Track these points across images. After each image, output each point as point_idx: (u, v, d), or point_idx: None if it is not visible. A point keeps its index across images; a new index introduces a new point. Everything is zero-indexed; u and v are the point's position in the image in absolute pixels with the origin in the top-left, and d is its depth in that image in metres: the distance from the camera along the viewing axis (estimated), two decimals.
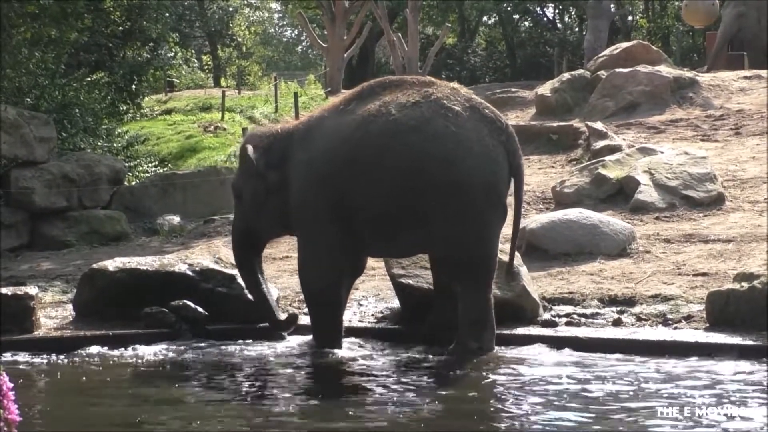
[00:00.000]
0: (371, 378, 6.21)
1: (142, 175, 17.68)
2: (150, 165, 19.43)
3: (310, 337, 7.10)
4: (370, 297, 8.13)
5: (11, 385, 2.58)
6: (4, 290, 7.46)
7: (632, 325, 6.96)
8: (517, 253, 7.73)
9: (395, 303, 7.55)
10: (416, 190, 6.33)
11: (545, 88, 17.36)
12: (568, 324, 7.05)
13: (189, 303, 7.40)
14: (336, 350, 6.81)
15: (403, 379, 6.09)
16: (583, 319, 7.13)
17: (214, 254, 7.97)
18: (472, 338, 6.48)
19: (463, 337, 6.53)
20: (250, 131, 7.95)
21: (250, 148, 6.97)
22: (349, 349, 6.88)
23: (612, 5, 31.00)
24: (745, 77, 17.27)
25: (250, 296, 7.45)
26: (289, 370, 6.57)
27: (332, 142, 6.60)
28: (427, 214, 6.37)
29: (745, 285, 6.65)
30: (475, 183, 6.28)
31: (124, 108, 22.36)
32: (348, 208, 6.56)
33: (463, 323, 6.54)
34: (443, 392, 5.80)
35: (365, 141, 6.45)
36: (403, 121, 6.38)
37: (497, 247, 6.62)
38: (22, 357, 6.88)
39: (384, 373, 6.31)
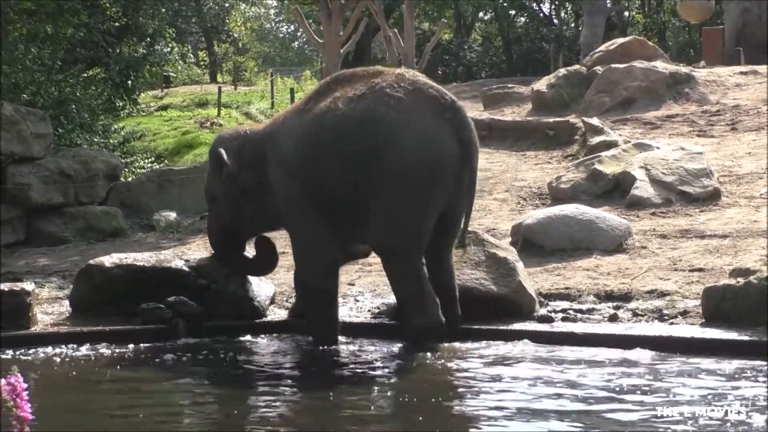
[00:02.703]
0: (366, 375, 6.21)
1: (138, 171, 17.68)
2: (146, 161, 19.43)
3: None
4: (367, 293, 8.14)
5: (25, 385, 2.64)
6: (0, 286, 7.45)
7: (628, 320, 6.97)
8: (513, 249, 7.77)
9: (391, 299, 7.56)
10: (368, 176, 6.55)
11: (541, 84, 17.35)
12: (564, 320, 7.06)
13: (185, 299, 7.41)
14: (332, 346, 6.84)
15: (398, 377, 6.10)
16: (579, 315, 7.15)
17: (211, 250, 7.98)
18: (415, 314, 6.62)
19: (407, 315, 6.71)
20: (218, 134, 8.08)
21: (222, 151, 7.15)
22: (345, 345, 6.89)
23: (608, 1, 31.00)
24: (742, 73, 17.27)
25: (245, 292, 7.53)
26: (284, 366, 6.59)
27: (295, 140, 6.84)
28: (380, 196, 6.54)
29: (741, 280, 6.66)
30: (420, 162, 6.47)
31: (121, 104, 22.36)
32: (321, 200, 6.74)
33: (402, 303, 6.80)
34: (438, 389, 5.81)
35: (320, 137, 6.71)
36: (349, 114, 6.64)
37: (431, 226, 6.64)
38: (19, 353, 6.89)
39: (380, 369, 6.32)
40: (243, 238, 7.52)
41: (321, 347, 6.85)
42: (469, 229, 7.06)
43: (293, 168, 6.82)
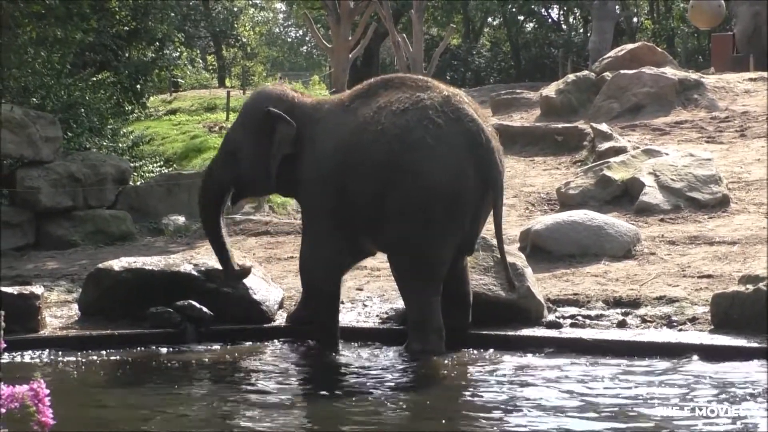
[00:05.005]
0: (373, 382, 6.21)
1: (147, 175, 17.69)
2: (155, 165, 19.44)
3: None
4: (375, 298, 8.14)
5: (47, 391, 2.69)
6: (9, 289, 7.46)
7: (637, 326, 6.96)
8: (521, 254, 7.76)
9: (400, 304, 7.55)
10: (387, 195, 6.50)
11: (550, 90, 17.36)
12: (572, 325, 7.05)
13: (194, 303, 7.42)
14: (333, 348, 6.87)
15: (405, 385, 6.10)
16: (587, 321, 7.14)
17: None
18: (416, 340, 6.65)
19: (408, 338, 6.73)
20: (262, 88, 7.78)
21: (280, 113, 6.90)
22: (352, 351, 6.89)
23: (617, 6, 30.97)
24: (751, 79, 17.27)
25: (254, 296, 7.53)
26: (291, 371, 6.59)
27: (332, 145, 6.78)
28: (393, 216, 6.52)
29: (750, 287, 6.65)
30: (437, 195, 6.41)
31: (130, 108, 22.38)
32: (343, 207, 6.71)
33: (408, 324, 6.80)
34: (444, 394, 5.81)
35: (355, 148, 6.65)
36: (388, 130, 6.55)
37: (448, 256, 6.64)
38: (27, 356, 6.90)
39: (387, 376, 6.31)
40: (246, 195, 7.70)
41: (327, 352, 6.86)
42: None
43: (325, 172, 6.76)
